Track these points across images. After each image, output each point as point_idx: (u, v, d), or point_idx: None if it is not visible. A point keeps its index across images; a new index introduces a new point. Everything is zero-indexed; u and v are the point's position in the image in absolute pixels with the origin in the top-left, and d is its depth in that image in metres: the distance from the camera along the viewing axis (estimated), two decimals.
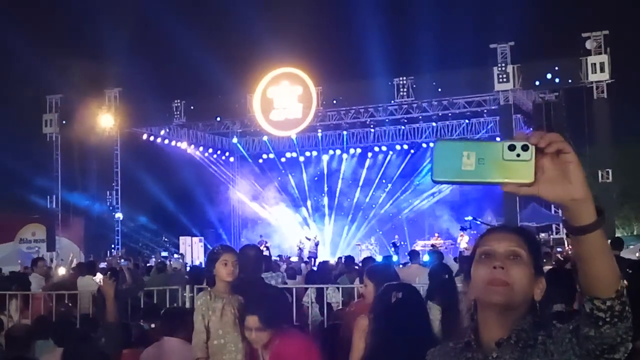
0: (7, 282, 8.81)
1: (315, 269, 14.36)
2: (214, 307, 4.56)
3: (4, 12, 29.81)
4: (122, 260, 15.67)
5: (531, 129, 24.13)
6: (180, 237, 27.66)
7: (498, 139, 23.15)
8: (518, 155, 1.46)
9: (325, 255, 25.59)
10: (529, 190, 1.49)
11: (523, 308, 1.84)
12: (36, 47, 28.28)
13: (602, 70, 20.83)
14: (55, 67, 27.24)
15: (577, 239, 1.54)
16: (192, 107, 26.13)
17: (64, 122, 27.24)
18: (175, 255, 23.78)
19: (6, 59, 30.58)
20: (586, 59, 21.02)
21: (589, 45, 21.00)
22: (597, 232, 1.52)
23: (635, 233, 29.18)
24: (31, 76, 28.71)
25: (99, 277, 10.76)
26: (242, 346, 4.48)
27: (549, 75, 21.70)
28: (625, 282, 1.59)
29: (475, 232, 23.41)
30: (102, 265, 15.98)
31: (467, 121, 26.70)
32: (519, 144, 1.47)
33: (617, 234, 23.88)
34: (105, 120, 26.63)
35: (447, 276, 5.79)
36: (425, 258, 13.61)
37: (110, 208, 27.12)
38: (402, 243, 24.89)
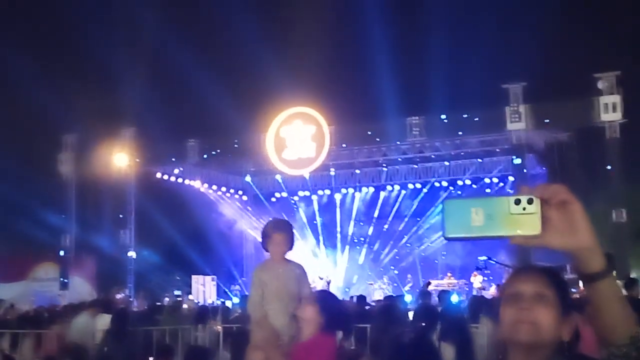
0: (21, 322, 8.86)
1: None
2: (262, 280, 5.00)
3: (20, 50, 30.36)
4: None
5: (544, 168, 24.12)
6: (193, 276, 27.61)
7: (511, 178, 23.05)
8: (524, 208, 1.53)
9: (338, 294, 25.45)
10: (537, 242, 1.55)
11: (551, 348, 1.87)
12: (52, 86, 28.72)
13: (614, 110, 20.89)
14: (71, 107, 27.65)
15: (589, 287, 1.58)
16: (205, 146, 26.36)
17: (79, 161, 27.51)
18: (190, 297, 23.77)
19: (22, 98, 31.03)
20: (598, 99, 21.09)
21: (600, 85, 21.10)
22: (607, 279, 1.57)
23: None
24: (47, 115, 29.07)
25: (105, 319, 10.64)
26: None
27: (561, 116, 21.77)
28: None
29: (489, 271, 23.25)
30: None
31: (479, 160, 26.73)
32: (524, 198, 1.54)
33: (632, 274, 23.62)
34: (119, 159, 26.88)
35: (458, 317, 5.78)
36: (454, 298, 13.58)
37: (124, 247, 27.19)
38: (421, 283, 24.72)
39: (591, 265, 1.56)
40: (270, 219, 5.63)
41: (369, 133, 24.66)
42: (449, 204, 1.57)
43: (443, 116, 23.55)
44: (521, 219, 1.52)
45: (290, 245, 5.10)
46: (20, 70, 28.94)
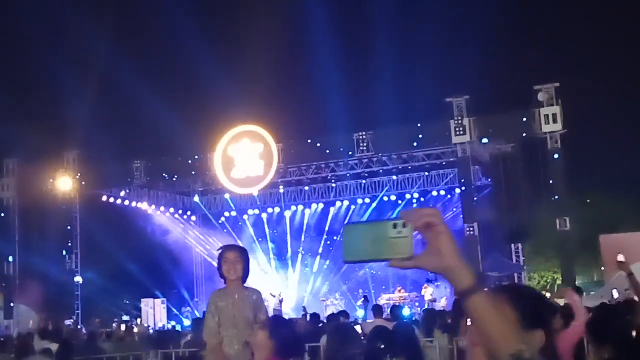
0: None
1: None
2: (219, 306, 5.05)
3: None
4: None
5: (489, 180, 24.56)
6: (143, 300, 27.14)
7: (457, 190, 23.38)
8: (400, 232, 1.58)
9: (290, 311, 25.33)
10: (410, 264, 1.59)
11: None
12: None
13: (554, 121, 21.40)
14: (12, 131, 26.95)
15: (465, 304, 1.65)
16: (152, 167, 26.02)
17: (22, 185, 26.83)
18: (139, 321, 23.33)
19: None
20: (539, 111, 21.59)
21: (541, 97, 21.61)
22: (478, 296, 1.63)
23: (595, 280, 29.58)
24: None
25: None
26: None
27: (504, 128, 22.23)
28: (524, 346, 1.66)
29: (439, 283, 23.50)
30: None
31: (426, 174, 27.10)
32: (400, 222, 1.59)
33: (578, 281, 24.20)
34: (64, 183, 26.31)
35: (411, 333, 5.80)
36: (406, 312, 13.64)
37: (70, 272, 26.56)
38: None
39: (460, 283, 1.63)
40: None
41: (317, 149, 24.73)
42: (347, 229, 1.63)
43: (390, 133, 23.78)
44: (398, 242, 1.58)
45: (245, 269, 5.11)
46: None
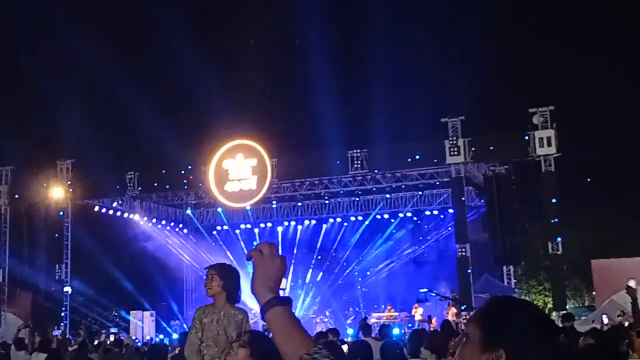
0: None
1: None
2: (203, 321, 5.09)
3: None
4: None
5: (482, 200, 24.58)
6: (131, 312, 26.96)
7: (450, 210, 23.40)
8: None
9: None
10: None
11: None
12: None
13: (549, 144, 21.46)
14: (6, 139, 26.88)
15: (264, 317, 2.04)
16: (145, 179, 25.94)
17: (14, 194, 26.72)
18: (129, 335, 23.17)
19: None
20: (534, 134, 21.65)
21: (535, 120, 21.67)
22: (271, 310, 2.00)
23: (586, 304, 29.53)
24: None
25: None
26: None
27: (497, 149, 22.29)
28: None
29: (430, 303, 23.42)
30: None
31: (420, 193, 27.11)
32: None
33: (569, 305, 24.16)
34: (56, 192, 26.21)
35: (398, 351, 5.78)
36: (396, 331, 13.55)
37: (59, 282, 26.38)
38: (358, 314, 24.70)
39: (261, 300, 2.03)
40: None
41: (311, 165, 24.72)
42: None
43: (385, 151, 23.81)
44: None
45: (227, 286, 5.13)
46: None
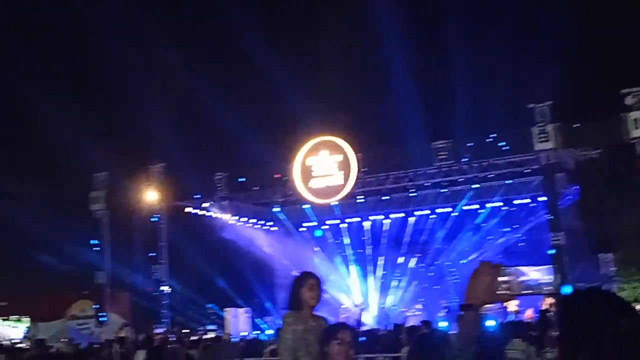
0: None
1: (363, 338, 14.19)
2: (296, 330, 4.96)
3: (50, 94, 31.03)
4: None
5: (575, 187, 23.84)
6: (226, 309, 27.62)
7: (542, 198, 22.76)
8: None
9: (371, 322, 25.28)
10: None
11: None
12: (82, 126, 29.29)
13: None
14: (101, 146, 28.10)
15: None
16: (233, 179, 26.51)
17: (110, 199, 27.85)
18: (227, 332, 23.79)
19: (53, 140, 31.67)
20: (627, 115, 20.85)
21: (628, 101, 20.86)
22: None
23: None
24: (78, 155, 29.61)
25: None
26: None
27: (589, 133, 21.58)
28: None
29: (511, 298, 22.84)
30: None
31: (509, 182, 26.45)
32: None
33: None
34: (150, 195, 27.16)
35: (494, 343, 5.72)
36: (490, 323, 13.36)
37: (156, 282, 27.34)
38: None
39: (465, 300, 2.59)
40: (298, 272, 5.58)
41: (396, 158, 24.63)
42: None
43: (470, 142, 23.46)
44: None
45: (320, 296, 5.09)
46: (50, 112, 29.59)
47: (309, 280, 5.06)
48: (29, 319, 30.18)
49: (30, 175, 33.40)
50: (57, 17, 35.63)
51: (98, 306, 27.64)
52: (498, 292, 2.39)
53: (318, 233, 30.56)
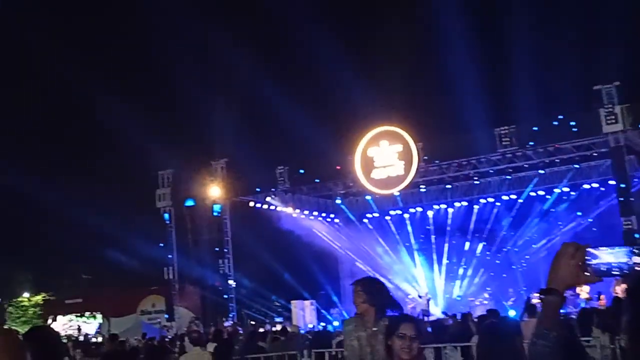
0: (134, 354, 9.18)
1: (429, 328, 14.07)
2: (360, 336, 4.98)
3: (116, 95, 31.83)
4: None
5: None
6: (292, 301, 27.81)
7: (611, 182, 22.06)
8: None
9: (437, 311, 25.07)
10: None
11: None
12: (148, 126, 29.93)
13: None
14: (166, 145, 28.66)
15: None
16: (295, 172, 26.65)
17: (175, 195, 28.38)
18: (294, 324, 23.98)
19: (119, 139, 32.51)
20: None
21: None
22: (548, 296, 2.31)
23: None
24: (143, 154, 30.30)
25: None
26: None
27: None
28: None
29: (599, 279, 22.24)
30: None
31: (576, 166, 25.72)
32: None
33: None
34: (213, 190, 27.56)
35: (569, 332, 5.57)
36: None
37: (223, 276, 27.75)
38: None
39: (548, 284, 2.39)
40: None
41: (458, 146, 24.27)
42: None
43: (534, 126, 22.90)
44: None
45: (371, 300, 5.01)
46: (117, 113, 30.36)
47: (354, 287, 5.06)
48: (101, 315, 31.17)
49: (100, 176, 34.44)
50: (124, 19, 36.56)
51: (167, 301, 28.24)
52: (585, 274, 2.30)
53: None
